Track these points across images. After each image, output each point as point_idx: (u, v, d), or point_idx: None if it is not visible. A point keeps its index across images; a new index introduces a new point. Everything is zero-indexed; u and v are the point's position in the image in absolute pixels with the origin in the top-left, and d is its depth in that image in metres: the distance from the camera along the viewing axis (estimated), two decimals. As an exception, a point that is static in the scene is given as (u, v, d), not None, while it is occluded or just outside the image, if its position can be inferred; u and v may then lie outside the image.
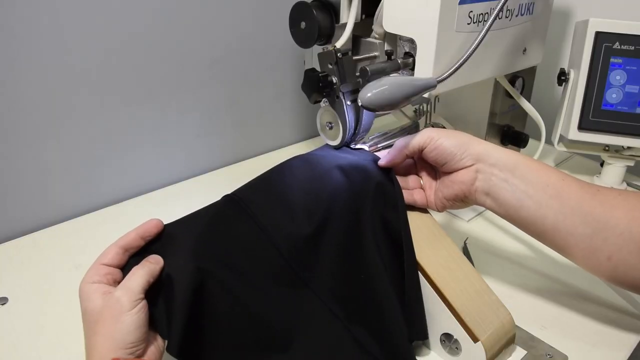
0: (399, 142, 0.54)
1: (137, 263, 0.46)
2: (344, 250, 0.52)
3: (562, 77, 0.80)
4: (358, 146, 0.60)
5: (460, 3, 0.53)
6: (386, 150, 0.57)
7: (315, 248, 0.52)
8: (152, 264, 0.46)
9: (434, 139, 0.52)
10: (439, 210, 0.55)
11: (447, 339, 0.50)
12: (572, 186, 0.49)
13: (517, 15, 0.61)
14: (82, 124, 0.73)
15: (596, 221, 0.47)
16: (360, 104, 0.49)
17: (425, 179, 0.56)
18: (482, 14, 0.57)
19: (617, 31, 0.74)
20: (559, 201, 0.48)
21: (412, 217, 0.54)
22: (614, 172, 0.84)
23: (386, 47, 0.58)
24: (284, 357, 0.49)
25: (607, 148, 0.84)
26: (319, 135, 0.61)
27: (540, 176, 0.49)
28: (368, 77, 0.52)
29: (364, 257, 0.51)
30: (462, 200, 0.53)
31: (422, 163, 0.56)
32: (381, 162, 0.55)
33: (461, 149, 0.51)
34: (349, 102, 0.57)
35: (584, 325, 0.57)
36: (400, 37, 0.57)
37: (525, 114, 0.79)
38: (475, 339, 0.47)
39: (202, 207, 0.53)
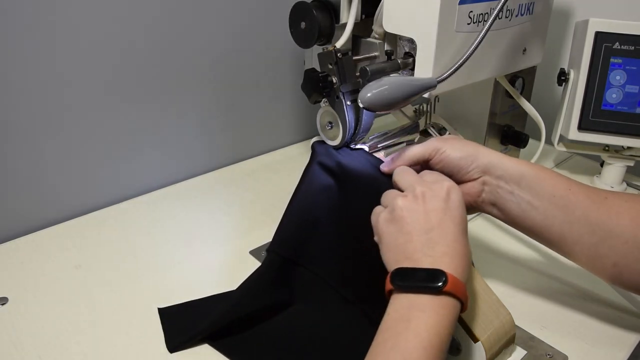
0: (405, 151, 0.53)
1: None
2: (344, 241, 0.55)
3: (562, 77, 0.80)
4: (358, 146, 0.60)
5: (460, 3, 0.53)
6: (382, 154, 0.58)
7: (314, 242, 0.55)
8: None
9: (439, 151, 0.51)
10: None
11: (447, 339, 0.50)
12: (578, 195, 0.49)
13: (517, 15, 0.61)
14: (82, 124, 0.73)
15: (602, 230, 0.47)
16: (360, 104, 0.49)
17: None
18: (482, 14, 0.57)
19: (617, 31, 0.74)
20: (565, 211, 0.48)
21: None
22: (614, 172, 0.84)
23: (386, 47, 0.58)
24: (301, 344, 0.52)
25: (607, 148, 0.84)
26: (319, 135, 0.61)
27: (547, 186, 0.49)
28: (368, 77, 0.52)
29: (361, 240, 0.53)
30: (468, 209, 0.53)
31: (429, 169, 0.56)
32: (383, 168, 0.55)
33: (468, 161, 0.51)
34: (349, 102, 0.56)
35: (584, 325, 0.57)
36: (400, 37, 0.57)
37: (525, 114, 0.79)
38: (475, 339, 0.47)
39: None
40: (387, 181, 0.54)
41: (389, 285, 0.42)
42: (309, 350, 0.52)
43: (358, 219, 0.53)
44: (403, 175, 0.49)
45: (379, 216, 0.47)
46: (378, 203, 0.53)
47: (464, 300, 0.41)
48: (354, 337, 0.52)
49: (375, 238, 0.47)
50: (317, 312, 0.55)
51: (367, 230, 0.52)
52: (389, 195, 0.48)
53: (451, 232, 0.43)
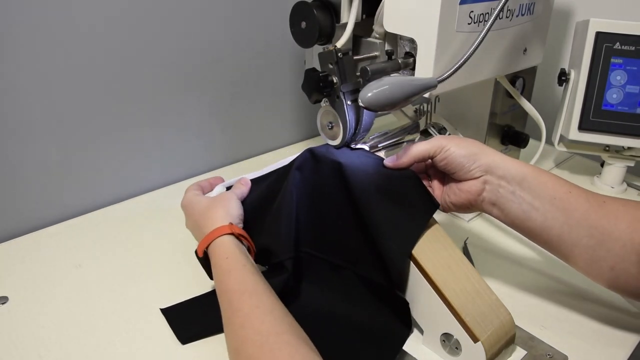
0: (410, 147, 0.53)
1: None
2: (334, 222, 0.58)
3: (563, 77, 0.80)
4: (358, 146, 0.60)
5: (460, 3, 0.53)
6: (383, 154, 0.59)
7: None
8: (243, 187, 0.63)
9: (444, 149, 0.51)
10: (444, 212, 0.56)
11: (447, 339, 0.50)
12: (578, 199, 0.49)
13: (517, 16, 0.61)
14: (82, 124, 0.73)
15: (600, 233, 0.48)
16: (360, 104, 0.49)
17: (434, 181, 0.56)
18: (482, 14, 0.57)
19: (617, 31, 0.74)
20: (565, 214, 0.49)
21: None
22: (614, 172, 0.84)
23: (387, 47, 0.58)
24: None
25: (607, 148, 0.84)
26: (319, 135, 0.61)
27: (548, 188, 0.50)
28: (368, 77, 0.52)
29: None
30: (468, 207, 0.54)
31: (431, 165, 0.56)
32: (387, 163, 0.55)
33: (470, 159, 0.51)
34: (349, 102, 0.56)
35: (583, 325, 0.57)
36: (401, 37, 0.57)
37: (525, 114, 0.79)
38: (475, 339, 0.47)
39: None
40: (386, 171, 0.55)
41: None
42: (313, 322, 0.52)
43: (337, 200, 0.56)
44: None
45: None
46: (369, 187, 0.55)
47: None
48: (353, 299, 0.55)
49: None
50: (316, 285, 0.58)
51: (358, 210, 0.54)
52: None
53: None
